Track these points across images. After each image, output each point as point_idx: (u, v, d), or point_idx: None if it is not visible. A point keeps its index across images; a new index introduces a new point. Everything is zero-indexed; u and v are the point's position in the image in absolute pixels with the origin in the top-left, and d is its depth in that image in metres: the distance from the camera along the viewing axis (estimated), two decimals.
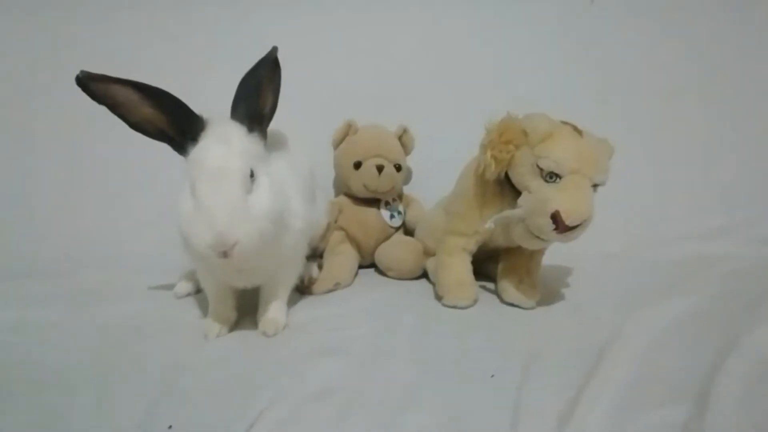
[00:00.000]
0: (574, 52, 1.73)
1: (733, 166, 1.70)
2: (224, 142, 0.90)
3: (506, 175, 1.11)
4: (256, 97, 0.97)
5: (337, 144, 1.53)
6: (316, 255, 1.40)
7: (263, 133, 1.00)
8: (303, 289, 1.27)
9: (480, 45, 1.71)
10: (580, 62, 1.73)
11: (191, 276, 1.26)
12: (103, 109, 0.88)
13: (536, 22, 1.72)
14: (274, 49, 0.98)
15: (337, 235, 1.45)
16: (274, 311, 1.07)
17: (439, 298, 1.21)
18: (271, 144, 1.05)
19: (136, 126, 0.91)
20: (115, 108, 0.88)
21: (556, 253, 1.25)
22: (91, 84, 0.86)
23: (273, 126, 1.04)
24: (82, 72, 0.85)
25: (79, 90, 0.85)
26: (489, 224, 1.09)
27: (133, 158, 1.55)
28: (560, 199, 0.99)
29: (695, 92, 1.71)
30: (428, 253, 1.38)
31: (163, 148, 0.94)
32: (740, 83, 1.72)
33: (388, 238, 1.49)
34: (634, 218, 1.62)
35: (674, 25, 1.73)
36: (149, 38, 1.62)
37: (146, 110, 0.89)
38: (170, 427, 0.72)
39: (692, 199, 1.67)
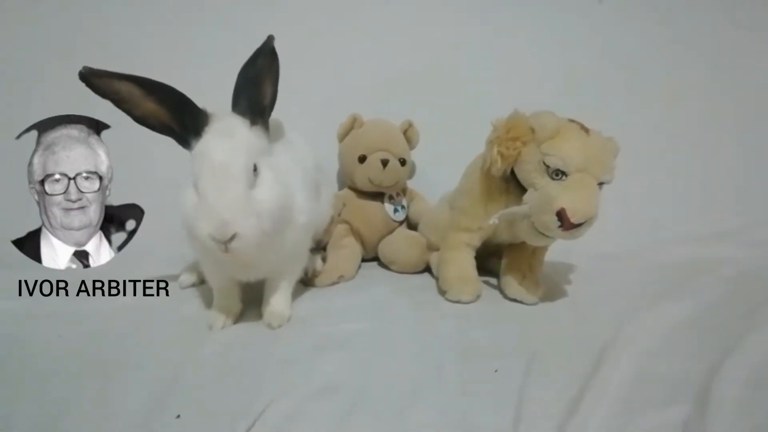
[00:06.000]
0: (579, 50, 1.72)
1: (734, 169, 1.70)
2: (227, 136, 0.90)
3: (512, 172, 1.11)
4: (256, 89, 0.96)
5: (342, 137, 1.52)
6: (320, 247, 1.41)
7: (265, 125, 0.99)
8: (307, 282, 1.28)
9: (487, 40, 1.70)
10: (584, 61, 1.71)
11: (195, 267, 1.27)
12: (103, 101, 0.88)
13: (543, 20, 1.71)
14: (270, 38, 0.97)
15: (341, 229, 1.45)
16: (279, 304, 1.08)
17: (442, 292, 1.21)
18: (276, 138, 1.05)
19: (140, 120, 0.91)
20: (119, 103, 0.89)
21: (557, 251, 1.25)
22: (93, 79, 0.86)
23: (281, 120, 1.03)
24: (84, 68, 0.85)
25: (79, 83, 0.85)
26: (493, 220, 1.10)
27: (133, 149, 1.54)
28: (566, 196, 0.99)
29: (696, 95, 1.70)
30: (431, 248, 1.39)
31: (163, 139, 0.94)
32: (742, 86, 1.71)
33: (391, 232, 1.50)
34: (635, 219, 1.61)
35: (678, 27, 1.72)
36: (149, 33, 1.61)
37: (149, 105, 0.89)
38: (178, 416, 0.73)
39: (694, 202, 1.67)
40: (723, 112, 1.71)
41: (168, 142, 0.94)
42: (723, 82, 1.72)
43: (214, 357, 0.92)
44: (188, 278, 1.27)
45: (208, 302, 1.12)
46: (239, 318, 1.08)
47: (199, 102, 0.93)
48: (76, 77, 0.85)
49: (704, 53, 1.72)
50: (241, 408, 0.74)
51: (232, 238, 0.84)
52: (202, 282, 1.25)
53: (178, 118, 0.91)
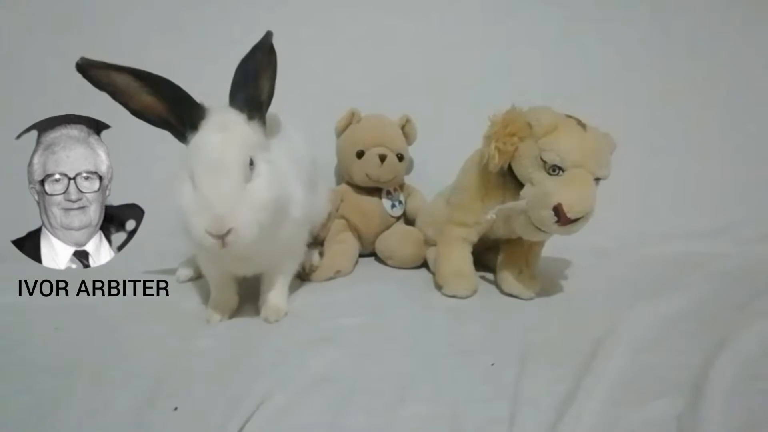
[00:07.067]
0: (578, 48, 1.71)
1: (727, 165, 1.70)
2: (224, 130, 0.89)
3: (509, 167, 1.11)
4: (254, 84, 0.96)
5: (340, 132, 1.52)
6: (317, 243, 1.41)
7: (262, 120, 0.99)
8: (304, 277, 1.28)
9: (485, 37, 1.69)
10: (580, 58, 1.71)
11: (192, 261, 1.27)
12: (101, 96, 0.88)
13: (542, 18, 1.70)
14: (269, 34, 0.97)
15: (338, 224, 1.45)
16: (276, 298, 1.08)
17: (439, 287, 1.22)
18: (274, 133, 1.05)
19: (137, 113, 0.91)
20: (116, 95, 0.88)
21: (553, 246, 1.26)
22: (90, 71, 0.86)
23: (278, 115, 1.03)
24: (82, 59, 0.85)
25: (77, 77, 0.85)
26: (491, 215, 1.10)
27: (128, 143, 1.54)
28: (563, 192, 0.99)
29: (690, 91, 1.71)
30: (429, 243, 1.39)
31: (158, 134, 0.94)
32: (735, 84, 1.71)
33: (388, 227, 1.50)
34: (630, 215, 1.62)
35: (670, 25, 1.72)
36: (148, 27, 1.60)
37: (146, 98, 0.89)
38: (176, 408, 0.73)
39: (687, 199, 1.68)
40: (716, 109, 1.72)
41: (165, 136, 0.94)
42: (717, 80, 1.72)
43: (211, 351, 0.92)
44: (186, 272, 1.28)
45: (206, 296, 1.12)
46: (236, 312, 1.09)
47: (197, 96, 0.93)
48: (75, 73, 0.85)
49: (704, 53, 1.72)
50: (237, 401, 0.74)
51: (228, 232, 0.84)
52: (199, 276, 1.25)
53: (175, 111, 0.91)
